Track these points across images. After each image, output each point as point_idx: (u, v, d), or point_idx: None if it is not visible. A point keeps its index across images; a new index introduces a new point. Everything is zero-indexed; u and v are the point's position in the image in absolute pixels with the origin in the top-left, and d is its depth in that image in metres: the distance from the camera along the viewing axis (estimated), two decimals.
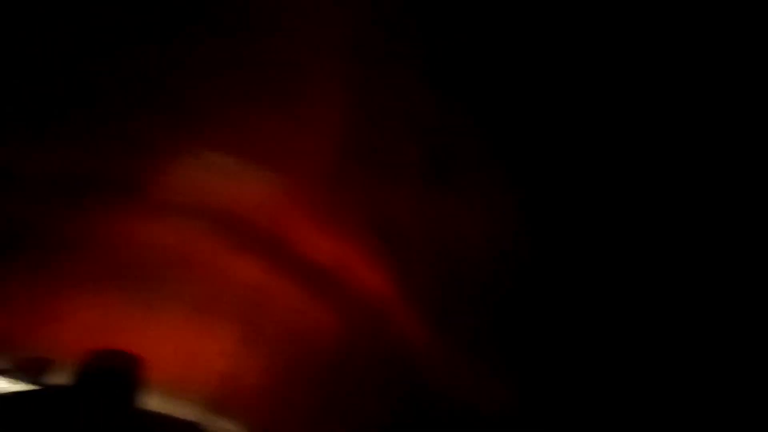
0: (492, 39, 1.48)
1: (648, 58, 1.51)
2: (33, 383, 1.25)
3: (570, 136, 1.48)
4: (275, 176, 1.46)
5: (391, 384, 1.40)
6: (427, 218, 1.43)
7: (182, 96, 1.58)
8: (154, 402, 1.36)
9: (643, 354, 1.42)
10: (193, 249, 1.49)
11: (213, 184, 1.53)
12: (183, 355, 1.41)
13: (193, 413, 1.36)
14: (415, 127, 1.45)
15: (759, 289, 1.40)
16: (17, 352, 1.31)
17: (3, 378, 1.21)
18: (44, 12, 1.49)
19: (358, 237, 1.44)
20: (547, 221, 1.53)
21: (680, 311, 1.45)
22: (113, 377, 1.36)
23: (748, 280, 1.42)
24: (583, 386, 1.42)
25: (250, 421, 1.36)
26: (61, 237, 1.50)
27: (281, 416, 1.39)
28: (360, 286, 1.44)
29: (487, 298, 1.48)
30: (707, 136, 1.49)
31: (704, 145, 1.49)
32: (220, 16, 1.44)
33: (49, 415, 1.27)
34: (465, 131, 1.44)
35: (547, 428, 1.42)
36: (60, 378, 1.30)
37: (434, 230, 1.43)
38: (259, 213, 1.49)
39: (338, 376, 1.40)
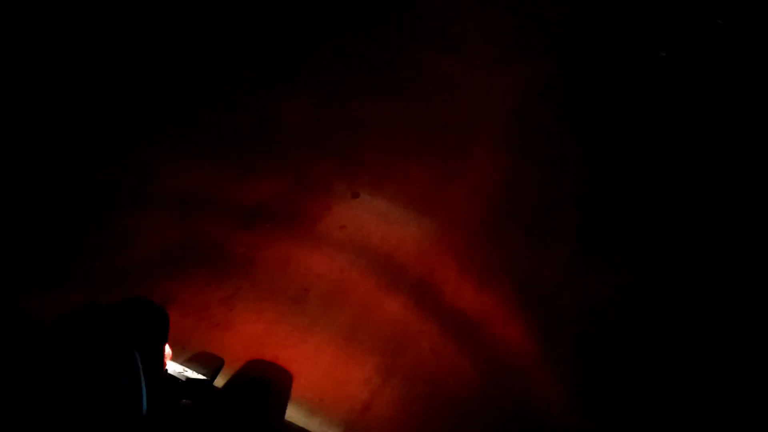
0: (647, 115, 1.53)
1: None
2: (205, 374, 1.40)
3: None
4: (432, 225, 1.57)
5: None
6: (573, 281, 1.45)
7: (350, 145, 1.78)
8: (298, 417, 1.46)
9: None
10: (349, 282, 1.63)
11: (374, 226, 1.68)
12: (332, 378, 1.51)
13: None
14: (569, 191, 1.51)
15: None
16: (198, 349, 1.50)
17: (185, 366, 1.38)
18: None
19: (503, 291, 1.49)
20: (663, 291, 1.51)
21: None
22: (265, 386, 1.49)
23: None
24: None
25: None
26: (238, 257, 1.72)
27: None
28: (500, 338, 1.48)
29: (615, 354, 1.43)
30: None
31: None
32: (399, 82, 1.64)
33: (204, 406, 1.41)
34: (616, 204, 1.47)
35: None
36: (225, 376, 1.46)
37: (578, 293, 1.44)
38: (414, 257, 1.60)
39: (468, 422, 1.41)
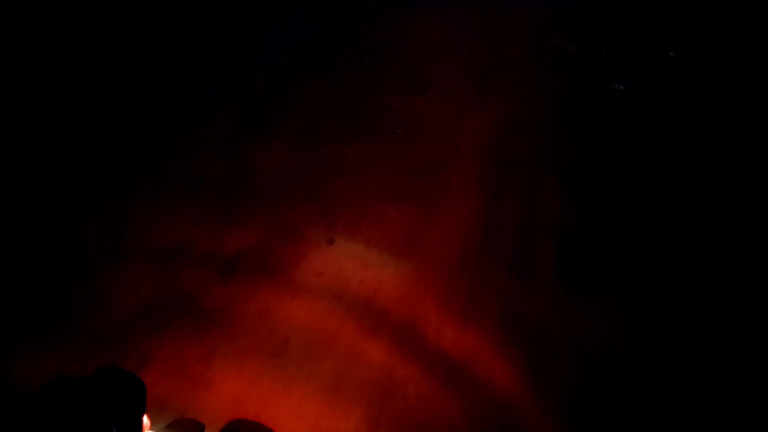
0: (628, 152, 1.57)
1: None
2: None
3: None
4: (411, 266, 1.57)
5: None
6: (561, 319, 1.46)
7: (324, 190, 1.78)
8: None
9: None
10: (330, 330, 1.60)
11: (352, 270, 1.67)
12: None
13: None
14: (547, 225, 1.53)
15: None
16: (172, 413, 1.44)
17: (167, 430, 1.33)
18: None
19: (486, 329, 1.49)
20: (656, 328, 1.53)
21: None
22: None
23: None
24: None
25: None
26: (214, 310, 1.68)
27: None
28: (487, 377, 1.47)
29: (606, 393, 1.44)
30: None
31: None
32: (373, 124, 1.66)
33: None
34: (595, 232, 1.50)
35: None
36: None
37: (567, 331, 1.44)
38: (394, 300, 1.59)
39: None
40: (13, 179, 1.96)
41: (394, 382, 1.55)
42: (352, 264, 1.67)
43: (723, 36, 2.00)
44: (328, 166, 1.82)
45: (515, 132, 1.74)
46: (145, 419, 1.24)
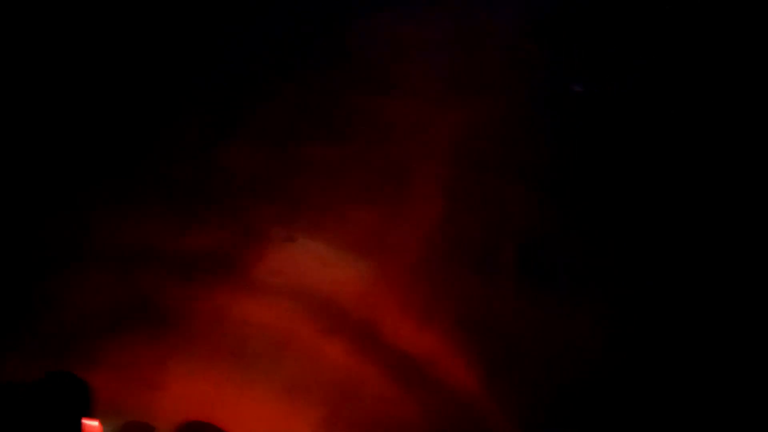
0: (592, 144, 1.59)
1: None
2: None
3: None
4: (371, 266, 1.57)
5: None
6: (524, 323, 1.47)
7: (289, 191, 1.76)
8: None
9: None
10: (288, 330, 1.59)
11: (311, 270, 1.66)
12: None
13: None
14: (511, 228, 1.55)
15: None
16: (125, 416, 1.40)
17: None
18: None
19: (450, 331, 1.50)
20: (626, 331, 1.55)
21: None
22: None
23: None
24: None
25: None
26: (172, 312, 1.64)
27: None
28: (450, 381, 1.47)
29: (569, 401, 1.46)
30: None
31: None
32: (342, 125, 1.65)
33: None
34: (561, 236, 1.52)
35: None
36: None
37: (532, 335, 1.46)
38: (353, 300, 1.58)
39: None
40: None
41: (353, 383, 1.54)
42: (312, 263, 1.65)
43: (698, 44, 2.06)
44: (295, 166, 1.80)
45: (483, 134, 1.75)
46: (95, 423, 1.21)
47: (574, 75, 2.13)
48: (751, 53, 1.75)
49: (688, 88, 1.95)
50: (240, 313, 1.64)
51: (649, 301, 1.54)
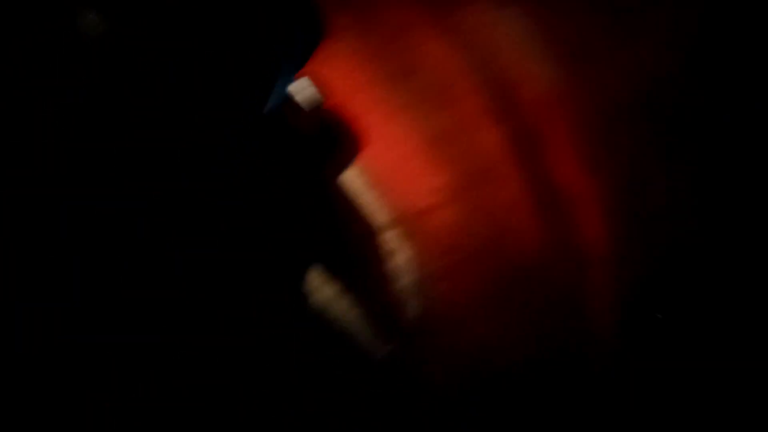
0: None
1: None
2: None
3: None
4: (560, 75, 1.39)
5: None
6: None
7: None
8: (358, 181, 1.27)
9: None
10: (461, 89, 1.41)
11: (508, 53, 1.46)
12: (401, 169, 1.32)
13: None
14: None
15: None
16: None
17: None
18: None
19: (606, 189, 1.36)
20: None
21: None
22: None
23: None
24: None
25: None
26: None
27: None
28: (581, 225, 1.36)
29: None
30: None
31: None
32: None
33: None
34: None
35: None
36: None
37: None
38: (528, 102, 1.41)
39: (525, 284, 1.28)
40: None
41: (493, 175, 1.42)
42: (511, 46, 1.45)
43: None
44: None
45: None
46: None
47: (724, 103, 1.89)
48: None
49: None
50: (424, 44, 1.43)
51: None
